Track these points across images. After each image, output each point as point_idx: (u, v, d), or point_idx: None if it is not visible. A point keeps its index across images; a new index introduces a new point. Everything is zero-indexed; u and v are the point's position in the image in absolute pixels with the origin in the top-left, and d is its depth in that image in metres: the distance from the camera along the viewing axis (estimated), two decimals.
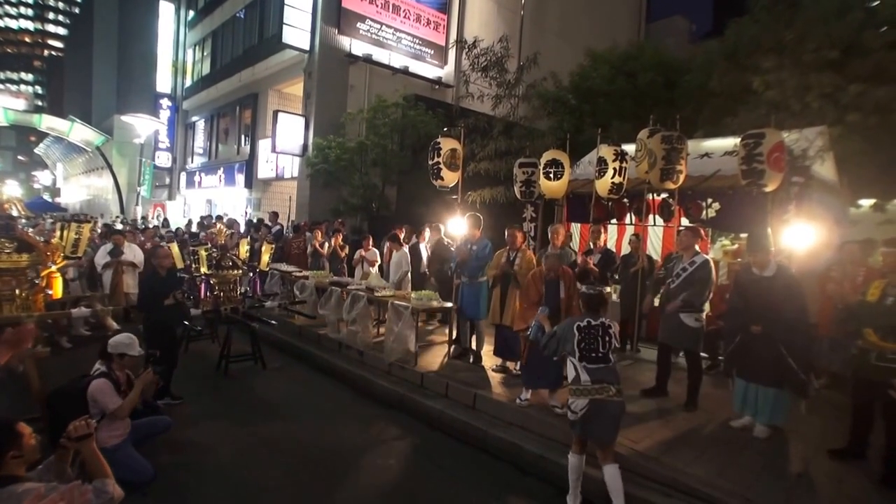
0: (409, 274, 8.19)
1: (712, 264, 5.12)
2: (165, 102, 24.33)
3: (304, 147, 15.36)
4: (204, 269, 6.55)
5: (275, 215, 13.91)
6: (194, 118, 23.73)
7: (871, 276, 4.30)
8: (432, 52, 17.68)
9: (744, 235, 6.55)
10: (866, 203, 8.13)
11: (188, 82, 24.17)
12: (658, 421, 4.76)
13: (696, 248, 5.19)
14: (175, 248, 6.95)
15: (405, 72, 16.66)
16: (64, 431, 2.37)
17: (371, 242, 9.12)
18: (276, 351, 7.46)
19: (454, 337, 6.65)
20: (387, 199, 14.20)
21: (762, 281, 4.43)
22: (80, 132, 24.31)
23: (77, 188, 40.08)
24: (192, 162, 23.91)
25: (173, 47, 24.52)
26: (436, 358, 6.39)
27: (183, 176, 24.24)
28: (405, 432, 5.02)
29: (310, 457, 4.40)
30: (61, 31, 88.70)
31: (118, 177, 24.91)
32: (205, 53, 22.52)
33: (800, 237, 4.96)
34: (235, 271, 6.76)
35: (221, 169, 20.09)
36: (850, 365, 4.20)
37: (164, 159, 24.54)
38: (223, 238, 7.13)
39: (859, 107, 6.72)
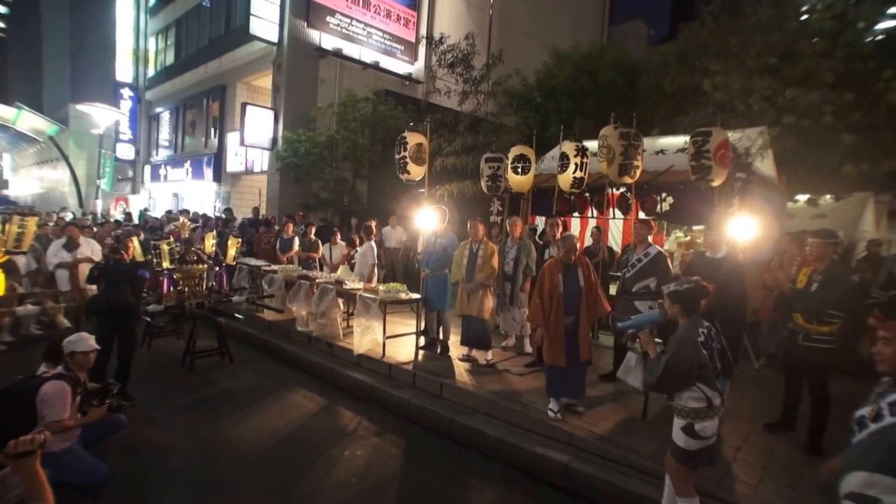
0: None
1: (665, 254, 5.34)
2: (126, 92, 23.24)
3: (274, 141, 15.17)
4: (166, 264, 6.42)
5: (229, 211, 13.61)
6: (158, 109, 22.92)
7: (803, 265, 4.57)
8: (403, 48, 17.63)
9: (697, 227, 6.84)
10: (802, 198, 8.60)
11: (151, 72, 23.28)
12: (614, 404, 4.96)
13: (649, 239, 5.40)
14: (136, 241, 6.76)
15: (376, 67, 16.59)
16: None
17: (339, 236, 9.11)
18: (244, 346, 7.41)
19: (422, 328, 6.70)
20: (358, 193, 14.15)
21: (712, 262, 4.73)
22: (28, 120, 23.08)
23: (28, 180, 37.36)
24: (156, 155, 23.11)
25: (133, 34, 23.39)
26: (404, 349, 6.45)
27: (147, 169, 23.43)
28: (373, 423, 5.07)
29: (276, 450, 4.40)
30: (1, 8, 78.31)
31: (76, 169, 23.79)
32: (168, 42, 21.81)
33: (743, 229, 5.22)
34: (200, 266, 6.65)
35: (188, 162, 19.62)
36: (783, 346, 4.47)
37: (126, 151, 23.51)
38: (187, 232, 7.03)
39: (794, 109, 7.12)
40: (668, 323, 3.43)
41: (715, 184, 5.55)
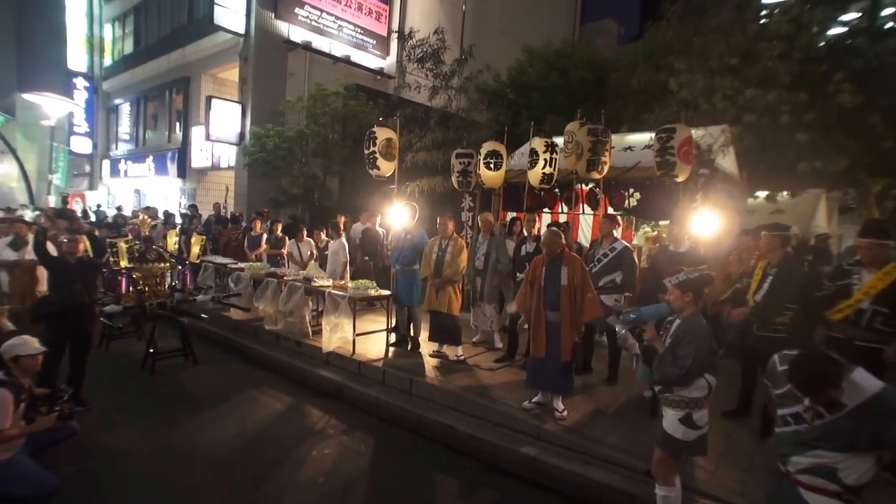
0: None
1: (631, 249, 5.47)
2: (81, 82, 21.88)
3: (241, 135, 14.85)
4: (124, 263, 6.21)
5: (194, 207, 13.29)
6: (117, 101, 21.95)
7: (760, 259, 4.74)
8: (374, 42, 17.48)
9: (663, 223, 7.01)
10: (761, 194, 8.94)
11: (108, 61, 22.22)
12: (582, 395, 5.05)
13: (615, 234, 5.52)
14: (85, 239, 6.46)
15: (346, 61, 16.41)
16: None
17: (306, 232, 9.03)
18: (210, 346, 7.27)
19: (393, 324, 6.71)
20: (328, 189, 13.99)
21: (675, 255, 4.88)
22: None
23: None
24: (116, 149, 22.16)
25: (87, 20, 22.05)
26: (374, 346, 6.44)
27: (106, 164, 22.33)
28: (342, 421, 5.05)
29: (242, 452, 4.34)
30: None
31: (25, 163, 22.18)
32: (126, 31, 20.87)
33: (705, 224, 5.38)
34: (162, 264, 6.46)
35: (151, 157, 19.02)
36: (740, 336, 4.64)
37: (82, 145, 22.18)
38: (147, 229, 6.83)
39: (753, 109, 7.39)
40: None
41: (679, 179, 5.70)
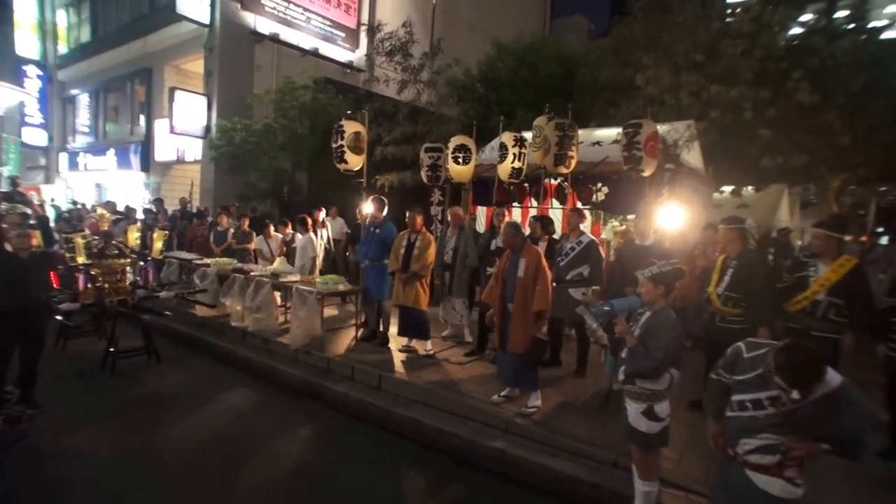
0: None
1: (598, 242, 5.53)
2: (33, 70, 20.66)
3: (207, 129, 14.48)
4: (82, 259, 5.97)
5: (160, 201, 12.91)
6: (74, 91, 20.94)
7: (723, 252, 4.84)
8: (344, 35, 17.23)
9: (631, 217, 7.11)
10: (727, 189, 9.16)
11: (63, 49, 21.16)
12: (551, 388, 5.08)
13: (581, 227, 5.56)
14: (38, 235, 6.20)
15: (315, 54, 16.14)
16: None
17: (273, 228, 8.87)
18: (174, 344, 7.07)
19: (362, 320, 6.67)
20: (298, 184, 13.78)
21: (641, 249, 4.92)
22: None
23: None
24: (74, 141, 21.17)
25: (37, 5, 20.95)
26: (343, 341, 6.37)
27: (64, 157, 21.38)
28: (310, 418, 4.98)
29: (206, 452, 4.23)
30: None
31: None
32: (82, 17, 19.91)
33: (671, 218, 5.47)
34: (122, 260, 6.24)
35: (113, 150, 18.36)
36: (705, 328, 4.74)
37: (36, 137, 20.96)
38: (106, 224, 6.59)
39: (717, 104, 7.57)
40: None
41: (645, 174, 5.77)
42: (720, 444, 2.45)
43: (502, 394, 4.76)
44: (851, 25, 9.54)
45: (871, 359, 4.29)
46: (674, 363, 3.03)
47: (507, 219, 6.17)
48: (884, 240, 14.74)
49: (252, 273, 7.15)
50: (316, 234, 8.62)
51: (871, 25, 10.04)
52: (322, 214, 8.83)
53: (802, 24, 9.44)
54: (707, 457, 3.90)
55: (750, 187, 9.95)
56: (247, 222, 9.28)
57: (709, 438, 2.53)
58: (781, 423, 2.23)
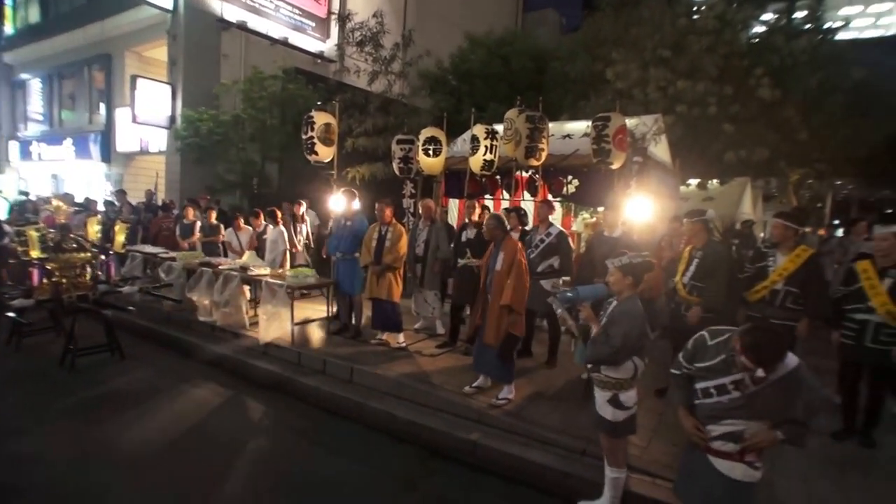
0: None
1: (567, 234, 5.59)
2: None
3: (172, 119, 14.05)
4: (36, 253, 5.72)
5: (122, 193, 12.45)
6: (24, 76, 19.78)
7: (688, 243, 4.95)
8: (314, 24, 16.89)
9: (601, 209, 7.21)
10: (693, 182, 9.40)
11: (9, 30, 19.99)
12: (522, 379, 5.11)
13: (551, 219, 5.62)
14: None
15: (284, 43, 15.78)
16: None
17: (243, 221, 8.73)
18: (139, 340, 6.88)
19: (334, 313, 6.62)
20: (267, 176, 13.57)
21: (609, 240, 4.99)
22: None
23: None
24: (26, 129, 20.03)
25: None
26: (314, 335, 6.31)
27: (14, 145, 20.16)
28: (280, 413, 4.92)
29: (172, 450, 4.13)
30: None
31: None
32: None
33: (639, 210, 5.56)
34: (81, 254, 6.01)
35: (70, 139, 17.55)
36: (672, 318, 4.85)
37: None
38: (63, 217, 6.34)
39: (684, 99, 7.75)
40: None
41: (614, 166, 5.85)
42: (701, 435, 2.48)
43: (474, 384, 4.78)
44: (809, 26, 9.88)
45: (826, 345, 4.45)
46: (635, 352, 3.08)
47: (478, 210, 6.17)
48: (839, 232, 15.36)
49: (220, 267, 7.00)
50: (297, 229, 8.57)
51: (826, 26, 10.42)
52: (302, 208, 8.72)
53: (764, 23, 9.72)
54: (673, 442, 4.00)
55: (715, 180, 10.22)
56: (213, 215, 9.06)
57: (688, 432, 2.57)
58: (745, 405, 2.32)
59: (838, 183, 20.46)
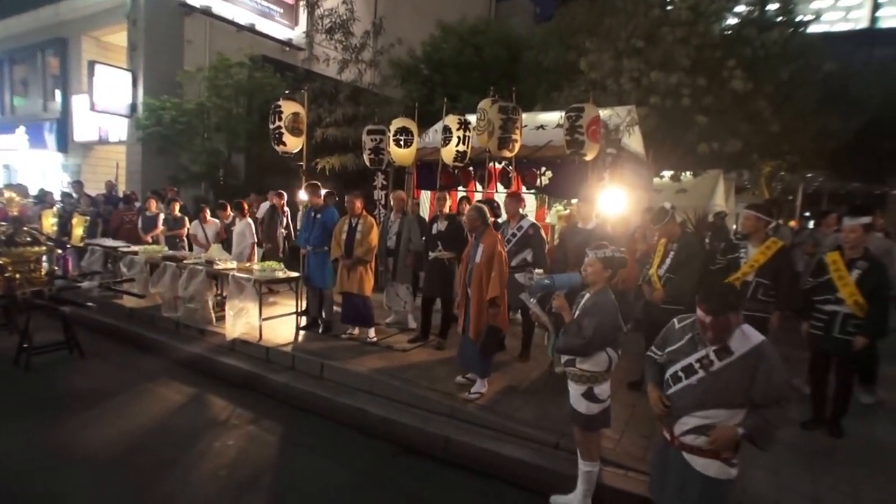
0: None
1: (539, 226, 5.64)
2: None
3: (133, 107, 13.71)
4: None
5: (79, 184, 12.06)
6: None
7: (661, 236, 5.04)
8: (282, 10, 16.58)
9: (575, 201, 7.28)
10: (667, 174, 9.55)
11: None
12: (496, 373, 5.12)
13: (522, 212, 5.65)
14: None
15: (251, 30, 15.47)
16: None
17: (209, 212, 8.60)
18: (100, 337, 6.72)
19: (303, 307, 6.57)
20: (234, 167, 13.39)
21: (582, 232, 5.04)
22: None
23: None
24: None
25: None
26: (283, 331, 6.25)
27: None
28: (248, 410, 4.85)
29: (134, 451, 4.04)
30: None
31: None
32: None
33: (613, 202, 5.62)
34: (36, 248, 5.82)
35: (23, 128, 16.94)
36: (644, 310, 4.93)
37: None
38: (16, 209, 6.12)
39: (657, 91, 7.86)
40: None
41: (587, 158, 5.89)
42: (664, 405, 2.52)
43: (467, 375, 4.81)
44: (781, 18, 10.11)
45: (797, 336, 4.56)
46: (608, 344, 3.10)
47: (449, 202, 6.16)
48: (811, 224, 15.81)
49: (185, 261, 6.89)
50: (281, 222, 8.51)
51: (798, 19, 10.67)
52: (283, 200, 8.62)
53: (737, 15, 9.90)
54: (645, 434, 4.09)
55: (688, 172, 10.41)
56: (177, 207, 8.87)
57: (652, 404, 2.61)
58: (712, 387, 2.33)
59: (809, 175, 20.99)
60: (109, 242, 8.44)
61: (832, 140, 13.80)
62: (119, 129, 14.53)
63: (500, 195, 8.27)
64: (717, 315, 2.27)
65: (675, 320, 2.60)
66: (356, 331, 6.09)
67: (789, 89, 10.43)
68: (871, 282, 4.01)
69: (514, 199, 5.67)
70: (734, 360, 2.30)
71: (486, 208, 4.77)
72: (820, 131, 12.65)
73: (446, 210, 6.09)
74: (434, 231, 5.95)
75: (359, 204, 5.92)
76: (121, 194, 11.75)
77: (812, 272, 4.46)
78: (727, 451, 2.38)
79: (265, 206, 9.82)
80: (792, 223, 16.74)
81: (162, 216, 9.00)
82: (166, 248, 7.93)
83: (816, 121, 12.08)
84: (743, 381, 2.29)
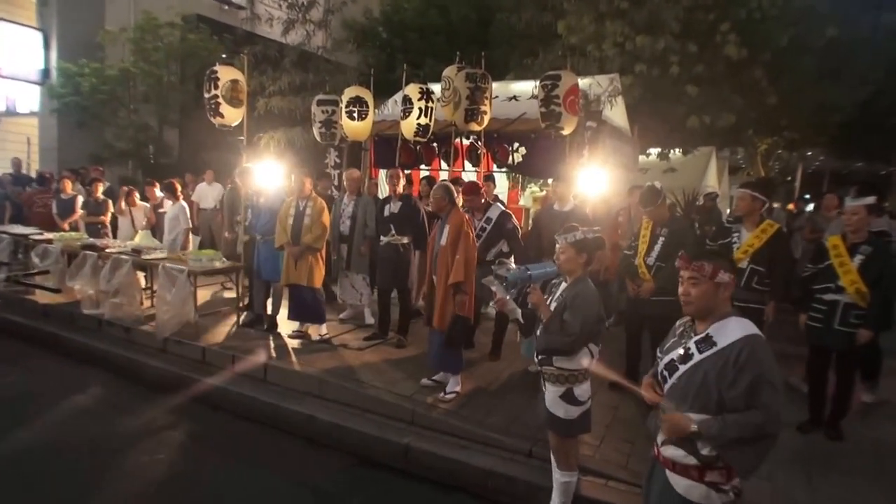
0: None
1: (509, 212, 5.66)
2: None
3: (46, 72, 13.36)
4: None
5: (16, 164, 11.74)
6: None
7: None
8: None
9: (551, 181, 7.34)
10: (654, 152, 9.69)
11: None
12: (463, 373, 5.09)
13: (488, 202, 5.68)
14: None
15: None
16: None
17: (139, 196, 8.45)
18: (7, 338, 6.59)
19: (246, 302, 6.53)
20: (166, 144, 13.24)
21: (559, 215, 5.05)
22: None
23: None
24: None
25: None
26: (222, 328, 6.20)
27: None
28: (182, 418, 4.79)
29: (53, 465, 3.94)
30: None
31: None
32: None
33: (593, 181, 5.66)
34: None
35: None
36: (630, 304, 4.99)
37: None
38: None
39: (643, 57, 7.93)
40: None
41: (565, 132, 5.93)
42: (654, 391, 2.34)
43: (433, 377, 4.81)
44: None
45: (794, 330, 4.57)
46: (592, 338, 3.07)
47: (401, 181, 6.09)
48: (810, 206, 16.24)
49: (108, 250, 6.78)
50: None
51: None
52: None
53: None
54: (629, 439, 4.13)
55: (677, 150, 10.56)
56: (100, 188, 8.64)
57: (643, 390, 2.40)
58: (688, 382, 2.18)
59: (809, 154, 21.56)
60: (19, 229, 8.27)
61: (834, 114, 14.15)
62: (30, 99, 14.12)
63: (469, 174, 8.31)
64: (693, 259, 2.18)
65: (679, 321, 2.47)
66: (305, 328, 6.06)
67: (788, 57, 10.63)
68: (875, 268, 4.00)
69: (474, 191, 5.53)
70: (715, 352, 2.12)
71: (452, 186, 4.75)
72: (821, 104, 12.94)
73: (400, 189, 6.01)
74: (386, 213, 5.90)
75: (308, 184, 5.86)
76: (32, 173, 11.43)
77: (811, 258, 4.49)
78: (715, 473, 2.18)
79: (202, 187, 9.67)
80: (790, 206, 17.19)
81: (81, 199, 8.79)
82: (86, 236, 7.78)
83: (817, 93, 12.35)
84: (721, 376, 2.09)
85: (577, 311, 3.00)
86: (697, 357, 2.18)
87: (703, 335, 2.20)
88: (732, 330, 2.16)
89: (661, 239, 4.67)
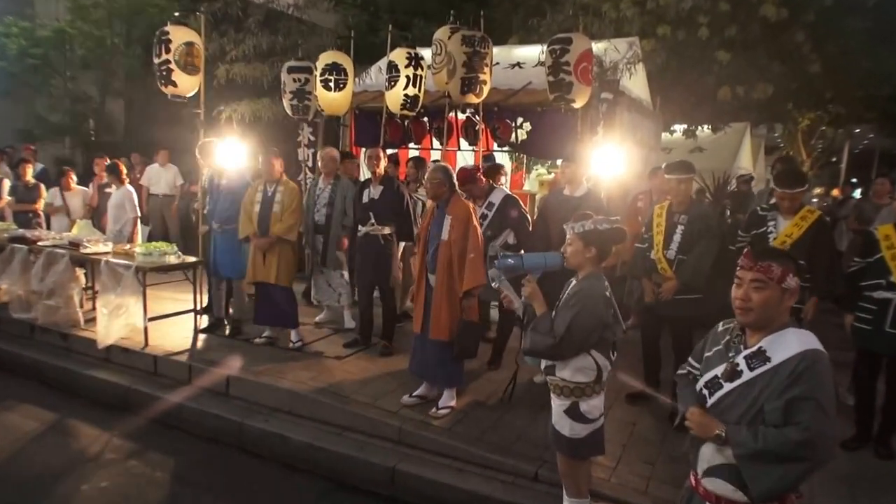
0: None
1: (515, 197, 5.69)
2: None
3: None
4: None
5: None
6: None
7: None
8: None
9: (560, 161, 7.37)
10: (679, 128, 9.73)
11: None
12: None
13: (493, 186, 5.70)
14: None
15: None
16: None
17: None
18: None
19: (204, 304, 6.59)
20: (109, 118, 13.26)
21: (570, 201, 5.07)
22: None
23: None
24: None
25: None
26: (177, 334, 6.24)
27: None
28: (129, 439, 4.82)
29: None
30: None
31: None
32: None
33: (609, 164, 5.67)
34: None
35: None
36: (642, 304, 5.03)
37: None
38: None
39: (667, 18, 7.94)
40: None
41: (576, 105, 5.93)
42: (708, 419, 2.18)
43: (415, 393, 4.81)
44: None
45: (838, 333, 4.53)
46: (591, 346, 3.05)
47: (382, 161, 6.08)
48: (857, 193, 16.28)
49: (41, 243, 6.79)
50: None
51: None
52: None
53: None
54: (649, 461, 4.17)
55: (706, 126, 10.60)
56: (30, 170, 8.61)
57: (689, 420, 2.25)
58: (735, 403, 2.11)
59: (857, 131, 21.68)
60: None
61: (886, 85, 14.20)
62: None
63: (465, 153, 8.31)
64: (758, 260, 2.06)
65: (720, 323, 2.38)
66: (274, 333, 6.09)
67: (834, 18, 10.65)
68: None
69: (469, 176, 5.46)
70: (768, 369, 2.03)
71: (451, 169, 4.74)
72: (871, 74, 12.98)
73: (380, 171, 5.99)
74: (365, 199, 5.91)
75: (278, 165, 5.88)
76: None
77: (859, 251, 4.51)
78: None
79: (154, 169, 9.66)
80: (835, 191, 17.24)
81: (7, 183, 8.75)
82: (14, 226, 7.73)
83: (867, 59, 12.40)
84: (772, 396, 2.01)
85: (567, 310, 3.01)
86: (748, 375, 2.09)
87: (754, 349, 2.11)
88: (790, 343, 2.05)
89: (680, 227, 4.68)
